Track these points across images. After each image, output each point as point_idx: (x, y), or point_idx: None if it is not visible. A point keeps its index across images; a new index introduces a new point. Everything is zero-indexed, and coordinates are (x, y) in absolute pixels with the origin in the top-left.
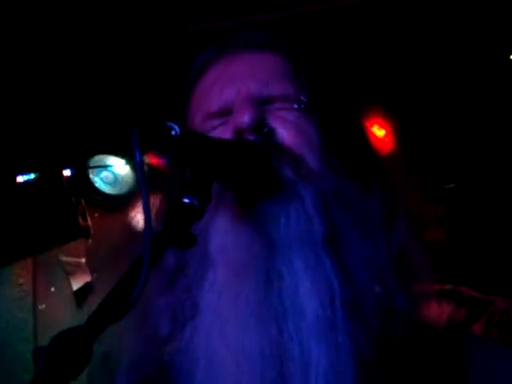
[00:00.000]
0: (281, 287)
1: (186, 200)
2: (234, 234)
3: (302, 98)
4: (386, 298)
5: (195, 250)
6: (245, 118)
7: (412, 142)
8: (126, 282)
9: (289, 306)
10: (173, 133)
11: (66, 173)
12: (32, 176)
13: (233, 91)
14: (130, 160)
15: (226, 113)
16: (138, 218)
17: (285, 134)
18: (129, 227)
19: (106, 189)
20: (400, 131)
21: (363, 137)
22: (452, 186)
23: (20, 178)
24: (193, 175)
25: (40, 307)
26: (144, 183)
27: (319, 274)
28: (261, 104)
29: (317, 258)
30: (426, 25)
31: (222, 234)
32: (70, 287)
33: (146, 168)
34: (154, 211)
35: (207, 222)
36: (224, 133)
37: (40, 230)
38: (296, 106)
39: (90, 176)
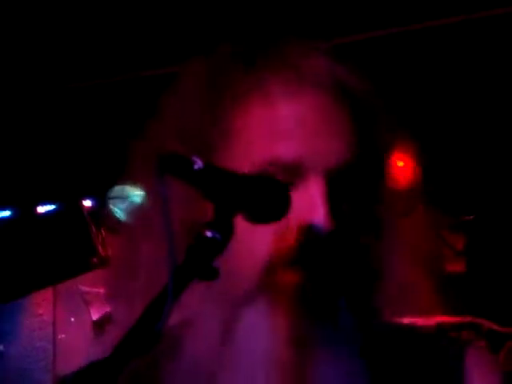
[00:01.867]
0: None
1: (209, 234)
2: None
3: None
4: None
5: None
6: (321, 229)
7: (432, 173)
8: (150, 315)
9: None
10: (195, 167)
11: (87, 203)
12: (52, 206)
13: (311, 150)
14: (147, 190)
15: (295, 169)
16: (156, 246)
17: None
18: (147, 257)
19: (126, 219)
20: (419, 163)
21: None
22: (472, 217)
23: (40, 209)
24: (215, 209)
25: (60, 337)
26: (168, 216)
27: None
28: (332, 175)
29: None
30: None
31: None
32: (90, 317)
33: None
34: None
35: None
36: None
37: (60, 260)
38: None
39: (110, 206)
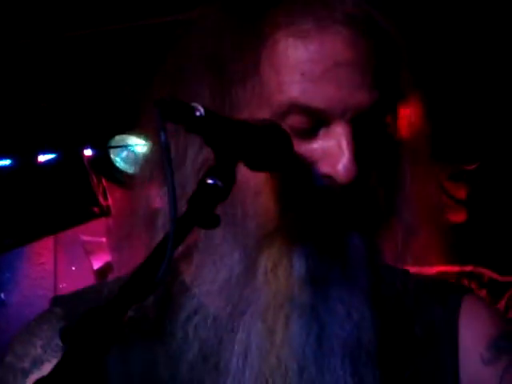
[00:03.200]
0: (322, 325)
1: (210, 181)
2: (281, 259)
3: (394, 118)
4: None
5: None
6: (346, 178)
7: (434, 123)
8: (151, 262)
9: (322, 333)
10: (197, 114)
11: (87, 152)
12: (53, 155)
13: (342, 97)
14: (150, 139)
15: (320, 116)
16: (158, 196)
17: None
18: (148, 206)
19: (126, 168)
20: (423, 111)
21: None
22: (474, 167)
23: (41, 158)
24: (217, 156)
25: (61, 286)
26: (169, 163)
27: (360, 318)
28: (358, 122)
29: (360, 303)
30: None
31: (273, 254)
32: (91, 266)
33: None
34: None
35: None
36: (309, 155)
37: (61, 209)
38: (383, 123)
39: (111, 155)
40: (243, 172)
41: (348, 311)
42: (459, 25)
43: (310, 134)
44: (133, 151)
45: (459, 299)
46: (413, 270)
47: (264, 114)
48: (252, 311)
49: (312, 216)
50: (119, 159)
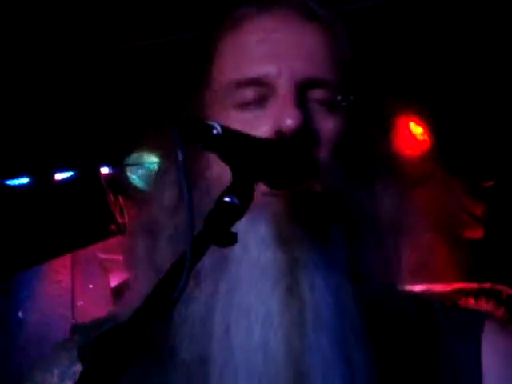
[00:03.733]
0: (302, 301)
1: (227, 199)
2: (260, 243)
3: (348, 93)
4: (397, 307)
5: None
6: (289, 121)
7: (451, 140)
8: (167, 281)
9: (308, 319)
10: (214, 132)
11: (104, 170)
12: (70, 173)
13: (276, 66)
14: (166, 158)
15: (263, 85)
16: (174, 214)
17: (320, 141)
18: (166, 224)
19: (143, 186)
20: (438, 128)
21: (391, 151)
22: (491, 183)
23: (58, 176)
24: (234, 174)
25: (78, 304)
26: (186, 182)
27: (341, 294)
28: (304, 89)
29: (339, 279)
30: (467, 21)
31: (248, 239)
32: (108, 284)
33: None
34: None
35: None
36: (261, 117)
37: (78, 227)
38: (339, 99)
39: (128, 173)
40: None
41: (327, 286)
42: (473, 41)
43: (262, 103)
44: (149, 169)
45: (481, 325)
46: (432, 287)
47: (225, 103)
48: (233, 277)
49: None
50: (136, 177)
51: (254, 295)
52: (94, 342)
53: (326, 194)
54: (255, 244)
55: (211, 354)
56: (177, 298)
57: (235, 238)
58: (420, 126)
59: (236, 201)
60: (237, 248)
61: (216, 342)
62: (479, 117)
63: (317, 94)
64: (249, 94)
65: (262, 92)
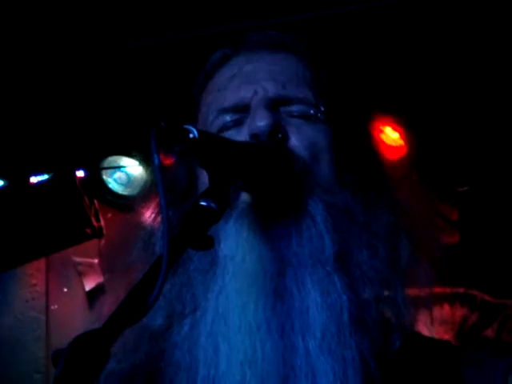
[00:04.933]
0: (290, 304)
1: (204, 203)
2: (245, 245)
3: (321, 106)
4: (390, 310)
5: (203, 252)
6: (262, 122)
7: (426, 145)
8: (143, 285)
9: (297, 321)
10: (191, 136)
11: (79, 173)
12: (45, 177)
13: (250, 90)
14: (146, 162)
15: (240, 110)
16: (151, 218)
17: (298, 142)
18: (142, 228)
19: (119, 189)
20: (414, 133)
21: (374, 151)
22: (466, 188)
23: (33, 179)
24: (211, 178)
25: (52, 307)
26: (162, 186)
27: (328, 291)
28: (277, 105)
29: (327, 276)
30: (443, 31)
31: (233, 243)
32: (83, 288)
33: (163, 171)
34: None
35: (219, 224)
36: (238, 134)
37: (53, 231)
38: (312, 112)
39: (104, 177)
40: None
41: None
42: (446, 43)
43: (239, 125)
44: (125, 172)
45: (506, 378)
46: (408, 291)
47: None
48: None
49: (260, 185)
50: (111, 180)
51: (240, 306)
52: (68, 346)
53: (308, 192)
54: (240, 247)
55: (198, 369)
56: (152, 302)
57: (212, 242)
58: (396, 131)
59: (212, 204)
60: (221, 254)
61: (202, 351)
62: (454, 122)
63: (291, 109)
64: (227, 118)
65: (239, 116)
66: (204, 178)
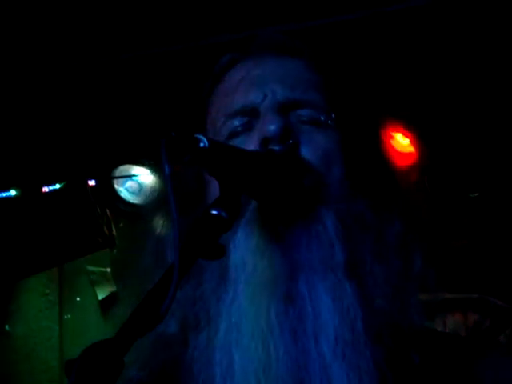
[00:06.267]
0: (302, 308)
1: (214, 212)
2: (255, 252)
3: (331, 112)
4: (404, 320)
5: (211, 263)
6: (272, 126)
7: (437, 151)
8: (155, 294)
9: (310, 326)
10: (201, 145)
11: (91, 183)
12: (57, 186)
13: (259, 94)
14: (157, 171)
15: (249, 114)
16: (162, 227)
17: (309, 150)
18: (153, 237)
19: (130, 198)
20: (425, 140)
21: (385, 159)
22: (477, 194)
23: (45, 189)
24: (221, 187)
25: (66, 317)
26: (173, 196)
27: (340, 297)
28: (286, 110)
29: (338, 282)
30: (455, 37)
31: (244, 251)
32: (96, 297)
33: (174, 180)
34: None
35: (229, 235)
36: (248, 139)
37: (66, 241)
38: (323, 119)
39: (115, 186)
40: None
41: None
42: (456, 49)
43: (249, 131)
44: (136, 181)
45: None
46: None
47: (218, 136)
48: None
49: (270, 195)
50: (123, 189)
51: (252, 313)
52: (80, 356)
53: (319, 200)
54: (250, 255)
55: (214, 379)
56: (165, 311)
57: (223, 251)
58: (407, 137)
59: (223, 213)
60: (232, 264)
61: (217, 366)
62: (465, 128)
63: (301, 113)
64: (236, 123)
65: (248, 121)
66: (214, 187)
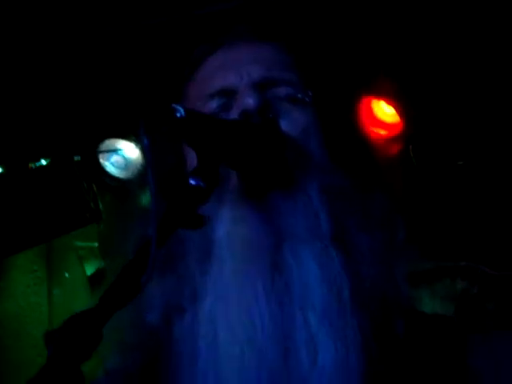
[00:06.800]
0: (288, 277)
1: (192, 182)
2: (240, 223)
3: (308, 89)
4: (389, 290)
5: (198, 238)
6: (250, 100)
7: (423, 119)
8: (134, 265)
9: (296, 296)
10: (178, 115)
11: (77, 158)
12: (43, 162)
13: (236, 75)
14: (139, 143)
15: (227, 94)
16: (147, 201)
17: (289, 123)
18: (139, 211)
19: (116, 173)
20: (410, 108)
21: (365, 134)
22: (464, 162)
23: (32, 165)
24: (199, 157)
25: (54, 292)
26: (151, 167)
27: (327, 265)
28: (264, 88)
29: (325, 250)
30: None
31: (228, 223)
32: (84, 272)
33: (152, 151)
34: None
35: (211, 209)
36: (227, 118)
37: (53, 217)
38: (300, 96)
39: (101, 160)
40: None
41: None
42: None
43: (227, 111)
44: (122, 155)
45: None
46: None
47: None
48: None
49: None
50: (109, 164)
51: (238, 284)
52: (59, 326)
53: (302, 171)
54: (235, 226)
55: (200, 356)
56: (145, 281)
57: (203, 221)
58: (391, 106)
59: (201, 183)
60: (217, 238)
61: (202, 339)
62: (451, 95)
63: (278, 91)
64: (214, 104)
65: (226, 102)
66: (193, 158)
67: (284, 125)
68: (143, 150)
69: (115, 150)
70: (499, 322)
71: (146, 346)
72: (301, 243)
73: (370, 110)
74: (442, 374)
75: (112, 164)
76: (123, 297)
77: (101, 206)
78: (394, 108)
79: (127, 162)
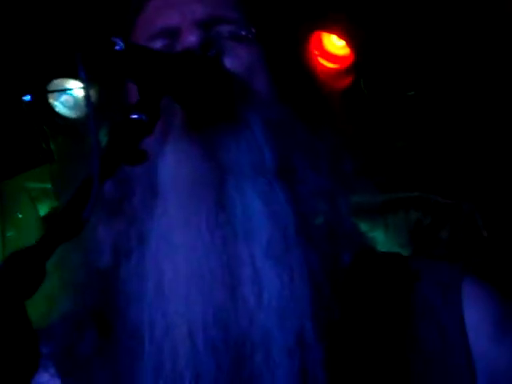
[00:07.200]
0: (232, 213)
1: (134, 116)
2: (184, 159)
3: (251, 27)
4: (335, 223)
5: (143, 177)
6: (192, 37)
7: (373, 50)
8: (77, 201)
9: (241, 231)
10: (117, 47)
11: (26, 98)
12: None
13: (177, 14)
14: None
15: (171, 34)
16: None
17: (233, 60)
18: (88, 150)
19: (66, 112)
20: (360, 39)
21: (311, 70)
22: (414, 92)
23: None
24: (140, 90)
25: (8, 234)
26: (91, 103)
27: (271, 200)
28: (207, 26)
29: (269, 186)
30: None
31: (172, 159)
32: (37, 213)
33: (95, 87)
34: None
35: (154, 148)
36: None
37: (3, 158)
38: (244, 33)
39: (50, 100)
40: None
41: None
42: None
43: (172, 49)
44: (72, 95)
45: (460, 282)
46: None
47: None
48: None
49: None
50: (58, 103)
51: (182, 221)
52: (1, 263)
53: (246, 105)
54: (179, 162)
55: (146, 296)
56: (86, 216)
57: (145, 156)
58: (342, 39)
59: (143, 117)
60: (162, 177)
61: (149, 280)
62: (398, 27)
63: (221, 29)
64: (157, 45)
65: (169, 43)
66: (135, 92)
67: (228, 62)
68: (82, 86)
69: (64, 90)
70: (453, 251)
71: (96, 287)
72: (245, 179)
73: (321, 44)
74: (387, 307)
75: (62, 104)
76: (65, 232)
77: (52, 146)
78: (345, 40)
79: (77, 102)
